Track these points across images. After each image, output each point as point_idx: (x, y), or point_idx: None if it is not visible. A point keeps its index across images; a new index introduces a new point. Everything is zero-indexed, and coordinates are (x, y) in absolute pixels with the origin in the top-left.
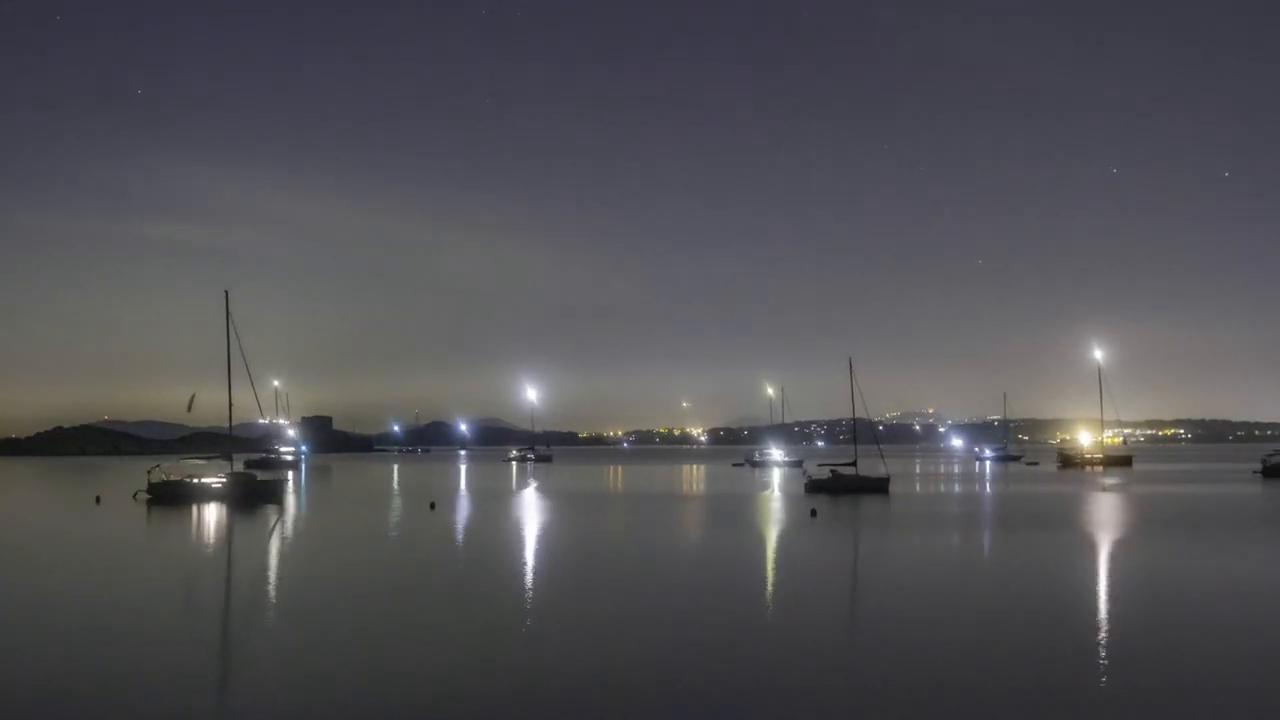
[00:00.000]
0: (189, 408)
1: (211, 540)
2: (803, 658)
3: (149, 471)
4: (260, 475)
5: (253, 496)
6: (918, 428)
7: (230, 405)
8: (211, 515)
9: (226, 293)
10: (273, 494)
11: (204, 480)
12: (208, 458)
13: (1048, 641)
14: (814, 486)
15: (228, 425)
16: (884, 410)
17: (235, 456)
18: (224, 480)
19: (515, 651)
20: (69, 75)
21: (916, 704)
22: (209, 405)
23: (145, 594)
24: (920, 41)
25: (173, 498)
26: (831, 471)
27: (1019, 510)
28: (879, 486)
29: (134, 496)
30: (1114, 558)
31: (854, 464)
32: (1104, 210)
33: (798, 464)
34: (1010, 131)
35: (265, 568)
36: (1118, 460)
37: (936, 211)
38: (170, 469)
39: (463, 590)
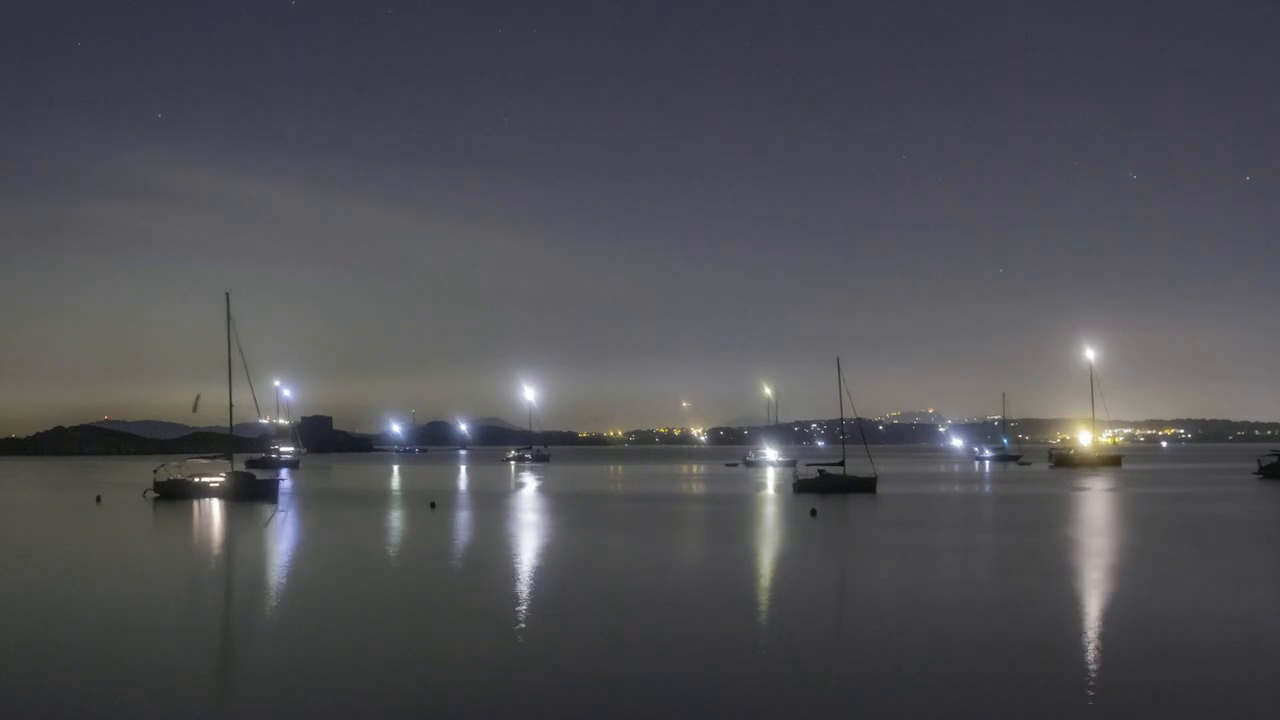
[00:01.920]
0: (195, 408)
1: (207, 539)
2: (804, 655)
3: (155, 471)
4: (259, 475)
5: (250, 495)
6: (918, 427)
7: (231, 406)
8: (210, 514)
9: (227, 295)
10: (270, 493)
11: (205, 479)
12: (211, 458)
13: (1036, 641)
14: (802, 486)
15: (228, 426)
16: (884, 410)
17: (236, 457)
18: (222, 479)
19: (516, 649)
20: (70, 69)
21: (913, 704)
22: (210, 406)
23: (141, 592)
24: (932, 47)
25: (177, 495)
26: (819, 471)
27: (1000, 511)
28: (866, 486)
29: (143, 495)
30: (1095, 557)
31: (842, 464)
32: (1107, 212)
33: (791, 464)
34: (1017, 136)
35: (263, 567)
36: (1107, 460)
37: (939, 214)
38: (175, 468)
39: (465, 587)
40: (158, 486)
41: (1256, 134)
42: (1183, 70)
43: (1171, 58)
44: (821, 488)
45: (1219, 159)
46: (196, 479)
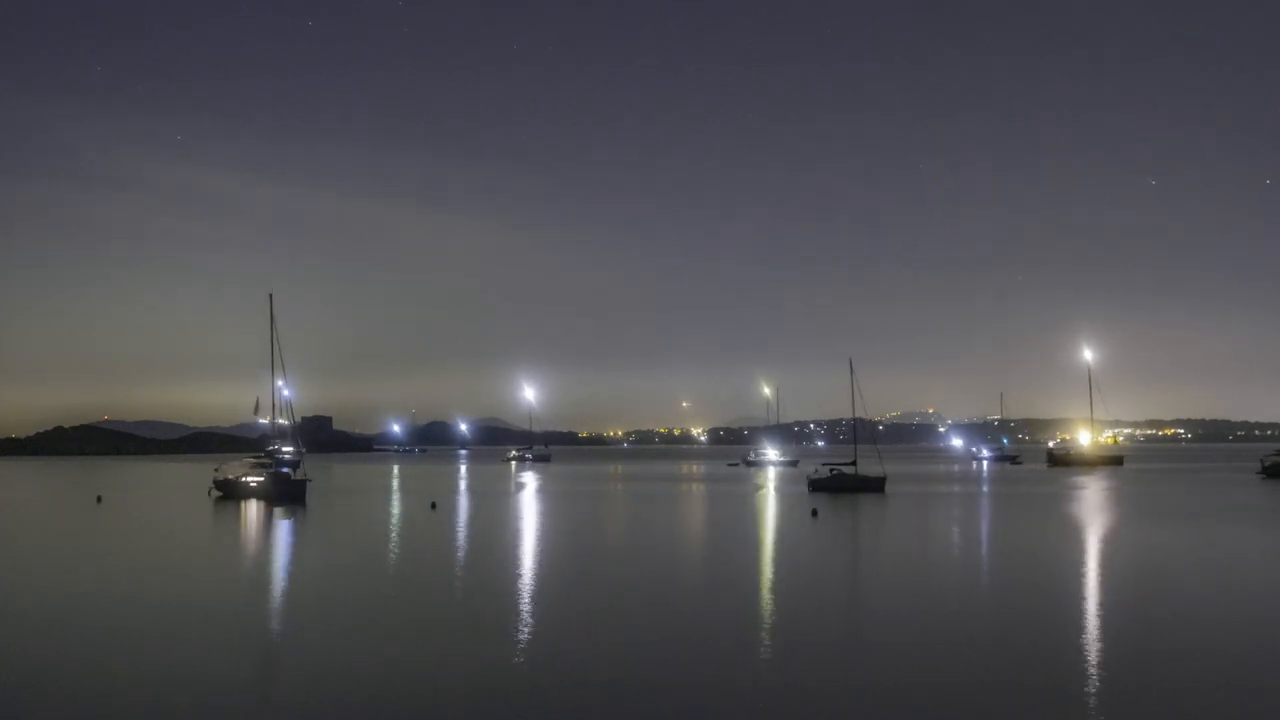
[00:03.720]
0: (256, 410)
1: (218, 541)
2: (807, 656)
3: (215, 470)
4: (294, 475)
5: (284, 495)
6: (918, 427)
7: (274, 406)
8: (247, 514)
9: (270, 296)
10: (299, 494)
11: (248, 480)
12: (256, 458)
13: (1039, 640)
14: (816, 485)
15: (227, 425)
16: (884, 410)
17: (241, 458)
18: (262, 480)
19: (518, 650)
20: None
21: (916, 703)
22: (211, 406)
23: (144, 594)
24: (940, 46)
25: (232, 494)
26: (831, 471)
27: (1003, 510)
28: (875, 485)
29: (208, 493)
30: (1091, 555)
31: (854, 464)
32: (1109, 215)
33: (793, 464)
34: (1022, 137)
35: (266, 569)
36: (1108, 460)
37: (940, 215)
38: (228, 469)
39: (466, 588)
40: (218, 485)
41: (1276, 139)
42: (1200, 73)
43: (1190, 61)
44: (833, 487)
45: (1235, 163)
46: (242, 479)
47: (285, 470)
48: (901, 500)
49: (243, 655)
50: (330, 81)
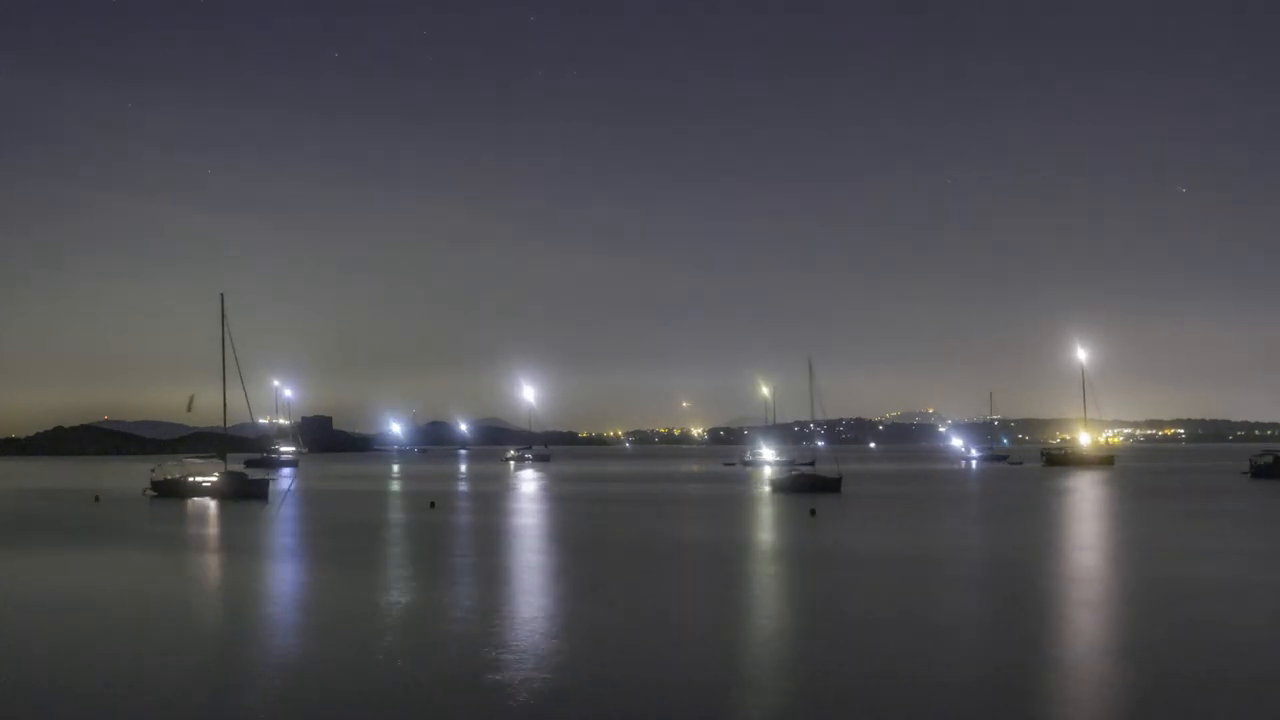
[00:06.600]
0: (189, 408)
1: (202, 537)
2: (801, 653)
3: (152, 470)
4: (250, 474)
5: (242, 494)
6: (917, 427)
7: (225, 406)
8: (203, 512)
9: (222, 296)
10: (260, 492)
11: (199, 479)
12: (206, 458)
13: (1018, 636)
14: (776, 485)
15: (223, 426)
16: (884, 410)
17: (236, 456)
18: (216, 478)
19: (515, 651)
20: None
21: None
22: (212, 406)
23: (136, 595)
24: (937, 47)
25: (173, 494)
26: (793, 471)
27: (961, 507)
28: (832, 485)
29: (142, 493)
30: (1066, 549)
31: (813, 464)
32: (1111, 213)
33: (789, 464)
34: (1022, 135)
35: (256, 568)
36: (1100, 460)
37: (941, 213)
38: (170, 468)
39: (462, 587)
40: (155, 485)
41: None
42: (1201, 72)
43: (1187, 60)
44: (789, 487)
45: (1239, 164)
46: (191, 479)
47: (244, 470)
48: (854, 499)
49: (238, 654)
50: (333, 81)
